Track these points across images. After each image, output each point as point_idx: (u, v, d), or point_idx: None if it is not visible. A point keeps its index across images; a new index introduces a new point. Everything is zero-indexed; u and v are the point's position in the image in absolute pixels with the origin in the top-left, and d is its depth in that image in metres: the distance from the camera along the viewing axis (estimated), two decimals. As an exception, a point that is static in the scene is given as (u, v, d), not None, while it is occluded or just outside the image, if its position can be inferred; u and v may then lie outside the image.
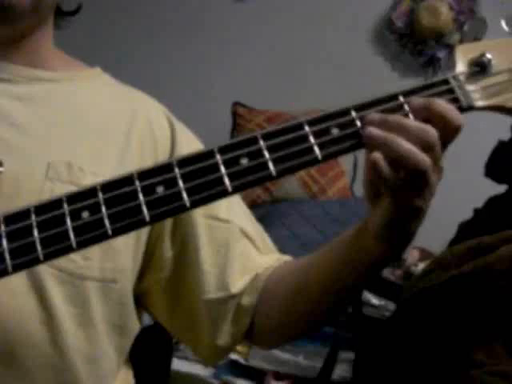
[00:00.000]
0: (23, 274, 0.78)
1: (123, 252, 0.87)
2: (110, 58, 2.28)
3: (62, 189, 0.81)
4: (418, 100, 0.68)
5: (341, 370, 1.30)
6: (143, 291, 0.94)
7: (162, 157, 0.93)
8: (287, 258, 0.98)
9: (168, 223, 0.91)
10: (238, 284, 0.92)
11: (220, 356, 0.96)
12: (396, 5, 2.69)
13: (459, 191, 2.25)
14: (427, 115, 0.67)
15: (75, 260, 0.82)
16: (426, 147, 0.66)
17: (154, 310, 0.97)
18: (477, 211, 1.43)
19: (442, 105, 0.67)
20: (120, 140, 0.91)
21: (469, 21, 2.56)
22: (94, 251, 0.83)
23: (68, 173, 0.84)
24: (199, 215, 0.92)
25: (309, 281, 0.87)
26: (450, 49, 2.60)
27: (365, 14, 2.74)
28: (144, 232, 0.90)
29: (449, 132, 0.67)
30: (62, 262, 0.80)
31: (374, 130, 0.66)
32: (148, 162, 0.90)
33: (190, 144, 0.96)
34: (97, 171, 0.85)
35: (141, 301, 0.94)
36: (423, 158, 0.66)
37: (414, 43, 2.65)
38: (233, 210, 0.95)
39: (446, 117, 0.67)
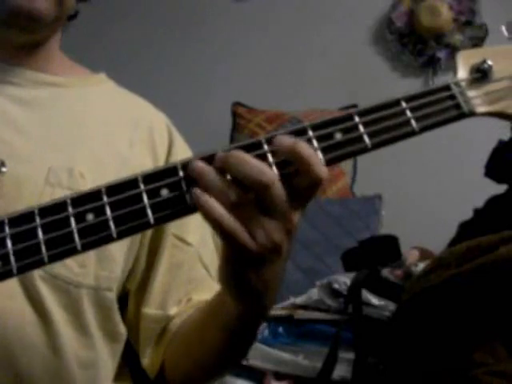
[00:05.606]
0: (15, 278, 0.76)
1: (118, 261, 0.88)
2: (110, 59, 2.29)
3: (61, 194, 0.81)
4: (283, 140, 0.62)
5: (341, 370, 1.30)
6: (122, 294, 0.94)
7: (160, 165, 0.93)
8: None
9: (146, 240, 0.92)
10: (176, 308, 0.93)
11: (152, 375, 0.95)
12: (396, 5, 2.69)
13: (459, 191, 2.25)
14: (290, 158, 0.61)
15: (71, 267, 0.82)
16: (259, 188, 0.60)
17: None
18: (477, 211, 1.43)
19: (308, 152, 0.61)
20: (122, 148, 0.91)
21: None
22: (90, 259, 0.83)
23: (68, 178, 0.84)
24: (170, 234, 0.93)
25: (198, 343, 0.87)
26: (450, 49, 2.60)
27: (365, 14, 2.74)
28: (135, 243, 0.91)
29: (309, 182, 0.61)
30: (57, 268, 0.80)
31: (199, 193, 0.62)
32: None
33: (184, 155, 0.97)
34: (97, 178, 0.85)
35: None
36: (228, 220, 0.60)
37: (414, 43, 2.65)
38: (202, 237, 0.96)
39: (309, 164, 0.61)
